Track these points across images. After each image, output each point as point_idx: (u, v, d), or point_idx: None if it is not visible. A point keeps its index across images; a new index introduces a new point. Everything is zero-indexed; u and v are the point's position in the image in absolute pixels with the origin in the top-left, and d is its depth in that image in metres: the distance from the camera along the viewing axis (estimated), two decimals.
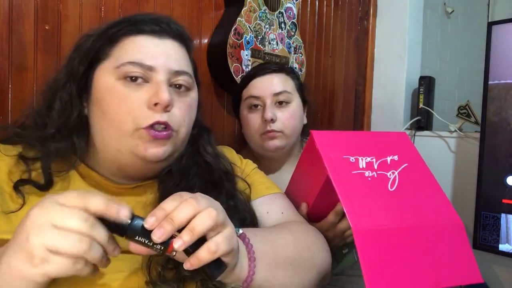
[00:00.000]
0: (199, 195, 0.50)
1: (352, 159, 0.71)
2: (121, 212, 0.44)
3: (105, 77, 0.62)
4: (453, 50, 2.47)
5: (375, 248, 0.61)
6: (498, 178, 1.35)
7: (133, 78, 0.61)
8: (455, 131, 1.66)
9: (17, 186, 0.58)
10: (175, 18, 1.18)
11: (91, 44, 0.65)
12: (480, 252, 1.39)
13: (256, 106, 1.06)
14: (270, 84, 1.06)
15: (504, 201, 1.34)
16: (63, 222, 0.41)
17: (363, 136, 0.79)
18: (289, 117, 1.06)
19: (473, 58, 2.60)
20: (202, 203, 0.48)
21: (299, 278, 0.63)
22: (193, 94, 0.69)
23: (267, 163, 1.14)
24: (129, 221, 0.45)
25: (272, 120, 1.03)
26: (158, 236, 0.45)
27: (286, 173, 1.11)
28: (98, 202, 0.43)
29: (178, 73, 0.64)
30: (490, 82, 1.37)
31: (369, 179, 0.69)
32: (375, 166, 0.71)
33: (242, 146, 1.21)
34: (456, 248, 0.66)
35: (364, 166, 0.71)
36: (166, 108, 0.61)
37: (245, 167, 0.81)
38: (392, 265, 0.61)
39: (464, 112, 1.65)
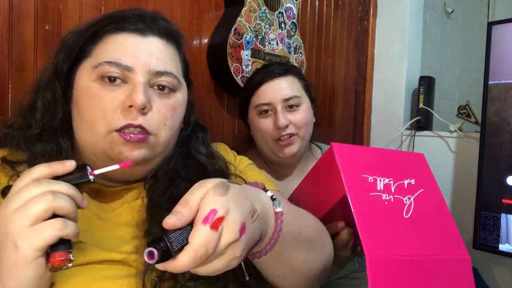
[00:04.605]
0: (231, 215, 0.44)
1: (371, 179, 0.70)
2: (66, 163, 0.46)
3: (83, 77, 0.60)
4: (453, 50, 2.47)
5: (386, 277, 0.61)
6: (498, 178, 1.35)
7: (111, 78, 0.58)
8: (455, 131, 1.66)
9: (4, 192, 0.54)
10: (175, 18, 1.20)
11: (75, 41, 0.62)
12: (480, 252, 1.38)
13: (266, 111, 1.06)
14: (280, 90, 1.05)
15: (504, 201, 1.34)
16: (25, 199, 0.43)
17: (382, 154, 0.78)
18: (301, 119, 1.06)
19: (473, 58, 2.60)
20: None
21: (310, 259, 0.62)
22: (179, 95, 0.64)
23: (278, 169, 1.14)
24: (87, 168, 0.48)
25: (286, 126, 1.03)
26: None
27: (295, 179, 1.10)
28: (41, 169, 0.45)
29: (160, 73, 0.60)
30: (490, 82, 1.37)
31: (386, 203, 0.68)
32: (392, 189, 0.70)
33: (250, 147, 1.21)
34: (461, 284, 0.66)
35: (382, 188, 0.70)
36: (142, 110, 0.57)
37: (238, 164, 0.78)
38: None
39: (464, 112, 1.65)
